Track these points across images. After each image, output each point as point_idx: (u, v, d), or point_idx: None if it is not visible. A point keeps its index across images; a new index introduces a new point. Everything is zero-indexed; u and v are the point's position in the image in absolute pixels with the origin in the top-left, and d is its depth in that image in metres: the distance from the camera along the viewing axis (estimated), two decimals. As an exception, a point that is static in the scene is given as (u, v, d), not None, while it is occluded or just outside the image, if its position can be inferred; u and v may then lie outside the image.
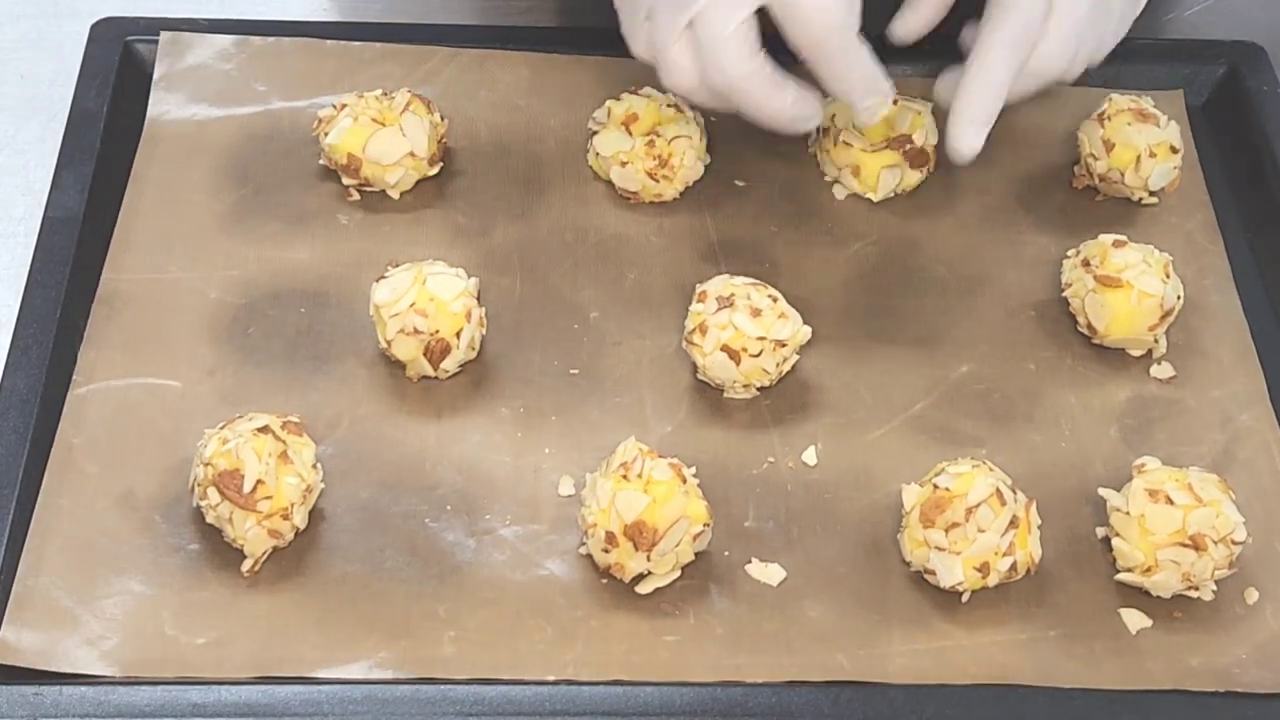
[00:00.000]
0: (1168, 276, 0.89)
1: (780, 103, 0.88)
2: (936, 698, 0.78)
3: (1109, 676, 0.79)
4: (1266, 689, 0.79)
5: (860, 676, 0.78)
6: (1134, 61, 1.04)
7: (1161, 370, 0.90)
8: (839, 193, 0.98)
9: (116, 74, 0.99)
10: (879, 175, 0.96)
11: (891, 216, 0.97)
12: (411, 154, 0.94)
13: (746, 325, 0.85)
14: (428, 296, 0.86)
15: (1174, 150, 0.96)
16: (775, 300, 0.87)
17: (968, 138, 0.89)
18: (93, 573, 0.80)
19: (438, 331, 0.86)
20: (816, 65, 0.87)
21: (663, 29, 0.87)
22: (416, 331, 0.86)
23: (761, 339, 0.86)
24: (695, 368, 0.88)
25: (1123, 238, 0.90)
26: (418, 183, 0.96)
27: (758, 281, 0.88)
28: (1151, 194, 0.97)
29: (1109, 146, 0.96)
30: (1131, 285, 0.88)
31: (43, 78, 1.06)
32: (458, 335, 0.86)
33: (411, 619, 0.80)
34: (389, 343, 0.87)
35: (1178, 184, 0.98)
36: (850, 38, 0.87)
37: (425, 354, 0.86)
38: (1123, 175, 0.96)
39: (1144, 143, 0.95)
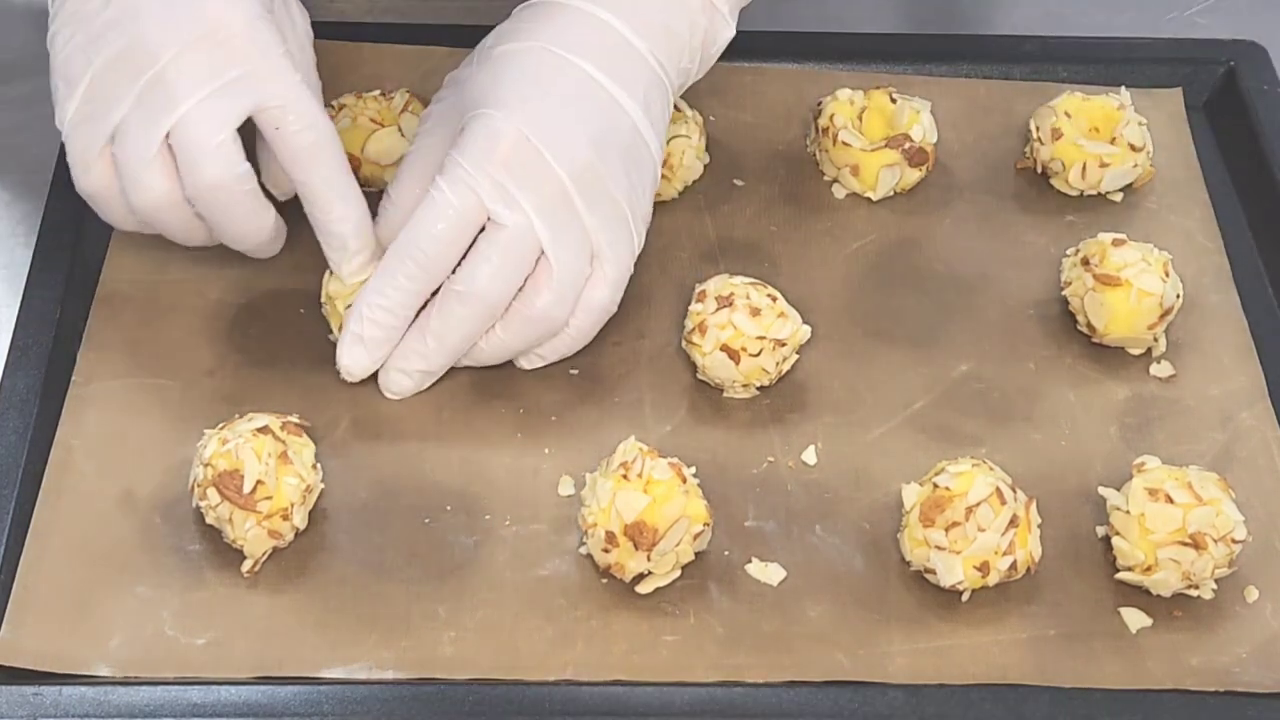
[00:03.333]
0: (1167, 275, 0.89)
1: (265, 219, 0.85)
2: (936, 697, 0.78)
3: (1109, 676, 0.79)
4: (1267, 688, 0.79)
5: (860, 676, 0.78)
6: (1134, 61, 1.04)
7: (1161, 369, 0.90)
8: (838, 192, 0.98)
9: (116, 74, 0.99)
10: (878, 174, 0.96)
11: (891, 215, 0.97)
12: (411, 154, 0.94)
13: (746, 325, 0.85)
14: None
15: (1134, 149, 0.96)
16: (775, 299, 0.87)
17: (346, 354, 0.85)
18: (92, 573, 0.80)
19: None
20: (302, 192, 0.84)
21: (138, 143, 0.81)
22: None
23: (761, 338, 0.86)
24: (695, 367, 0.88)
25: (1122, 236, 0.90)
26: (417, 182, 0.96)
27: (757, 281, 0.88)
28: (1117, 191, 0.98)
29: (1056, 135, 0.96)
30: (1131, 284, 0.88)
31: (42, 78, 1.05)
32: None
33: (411, 619, 0.80)
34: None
35: (1148, 178, 0.98)
36: (338, 164, 0.84)
37: None
38: (1065, 167, 0.96)
39: (1095, 152, 0.96)
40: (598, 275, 0.85)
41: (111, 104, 0.81)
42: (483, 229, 0.83)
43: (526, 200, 0.82)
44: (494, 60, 0.86)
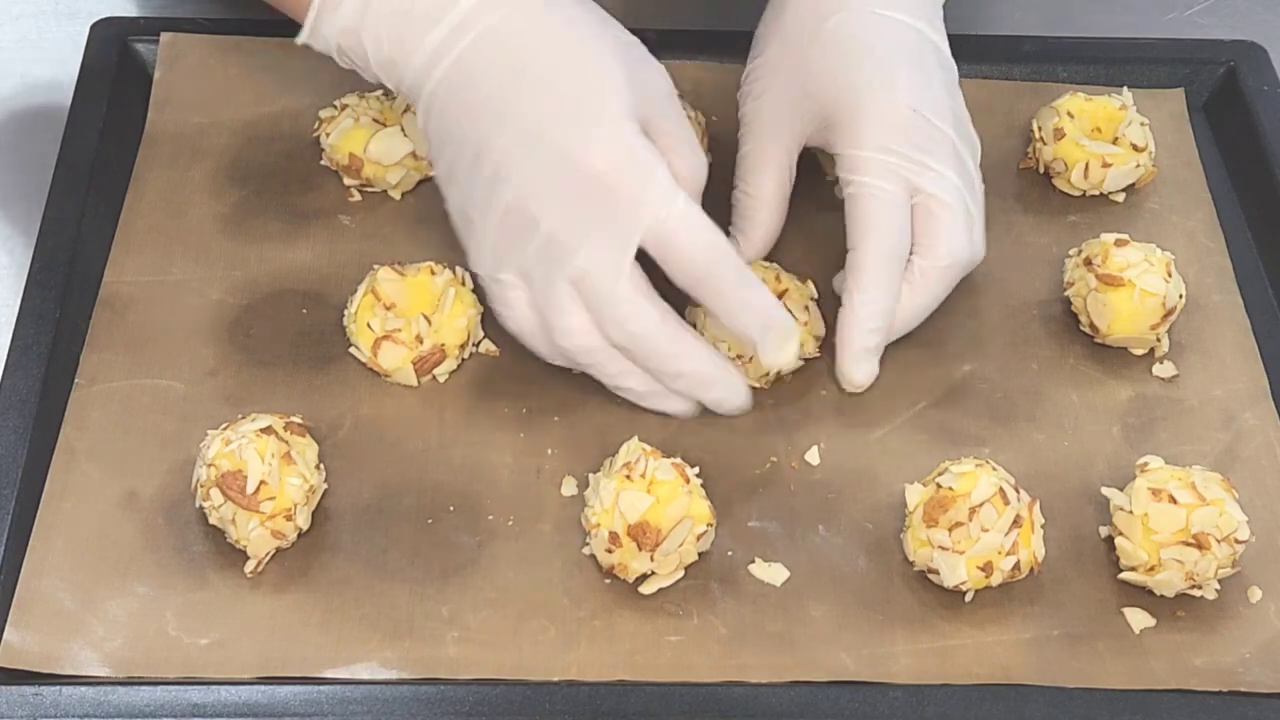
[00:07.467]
0: (1169, 275, 0.89)
1: (698, 357, 0.83)
2: (937, 697, 0.78)
3: (1112, 676, 0.79)
4: (1270, 689, 0.79)
5: (863, 676, 0.78)
6: (1134, 61, 1.04)
7: (1164, 369, 0.90)
8: (841, 192, 0.97)
9: (116, 75, 0.99)
10: (880, 175, 0.96)
11: (893, 216, 0.97)
12: (413, 154, 0.94)
13: (746, 329, 0.85)
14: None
15: (1136, 149, 0.96)
16: (781, 296, 0.87)
17: (860, 370, 0.87)
18: (96, 575, 0.80)
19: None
20: (710, 300, 0.81)
21: (545, 296, 0.81)
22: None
23: (760, 340, 0.86)
24: (698, 367, 0.88)
25: (1124, 237, 0.90)
26: (419, 183, 0.96)
27: (771, 264, 0.88)
28: (1119, 191, 0.98)
29: (1058, 135, 0.96)
30: (1133, 284, 0.88)
31: (42, 79, 1.06)
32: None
33: (415, 620, 0.80)
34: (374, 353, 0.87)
35: (1150, 179, 0.98)
36: (738, 262, 0.81)
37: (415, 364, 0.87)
38: (1068, 167, 0.96)
39: (1097, 152, 0.96)
40: (976, 212, 0.88)
41: (513, 256, 0.81)
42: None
43: (944, 166, 0.86)
44: (826, 36, 0.87)
